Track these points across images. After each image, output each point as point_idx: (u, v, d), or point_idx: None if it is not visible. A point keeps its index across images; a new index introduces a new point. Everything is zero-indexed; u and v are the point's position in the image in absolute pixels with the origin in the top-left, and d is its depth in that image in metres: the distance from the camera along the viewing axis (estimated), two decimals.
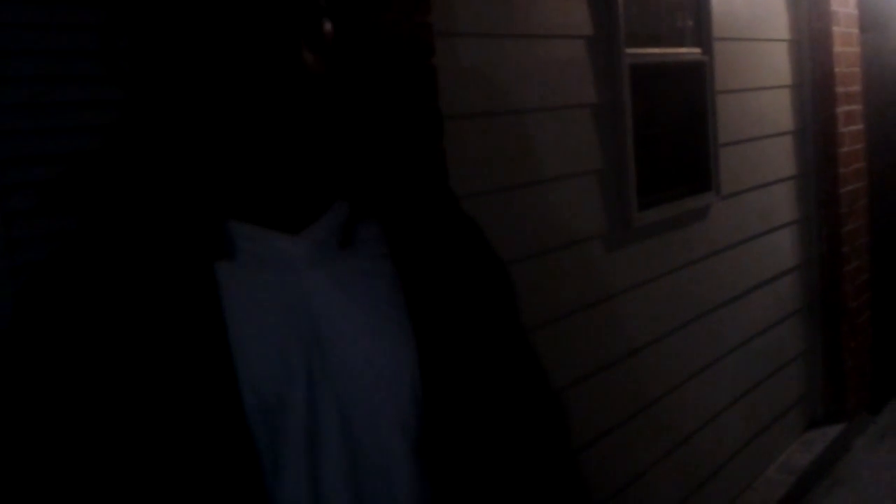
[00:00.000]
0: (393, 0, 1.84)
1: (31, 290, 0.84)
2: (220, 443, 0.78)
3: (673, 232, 3.13)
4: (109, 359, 0.78)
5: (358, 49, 0.88)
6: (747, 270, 3.62)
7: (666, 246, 3.09)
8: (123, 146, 0.85)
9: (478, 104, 2.29)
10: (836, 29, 3.99)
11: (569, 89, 2.64)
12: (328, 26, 0.85)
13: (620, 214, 2.83)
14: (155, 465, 0.78)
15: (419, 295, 0.87)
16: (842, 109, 4.05)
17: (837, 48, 4.00)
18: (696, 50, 3.25)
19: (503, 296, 0.98)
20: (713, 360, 3.37)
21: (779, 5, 3.89)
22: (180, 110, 0.78)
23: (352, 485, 0.82)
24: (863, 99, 4.24)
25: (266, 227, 0.84)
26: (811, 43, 4.01)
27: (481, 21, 2.32)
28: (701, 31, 3.27)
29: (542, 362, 1.01)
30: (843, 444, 4.08)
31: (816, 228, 4.13)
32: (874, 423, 4.34)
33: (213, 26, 0.76)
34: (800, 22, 3.99)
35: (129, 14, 0.78)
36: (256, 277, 0.82)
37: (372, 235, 0.88)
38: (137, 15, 0.77)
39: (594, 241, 2.75)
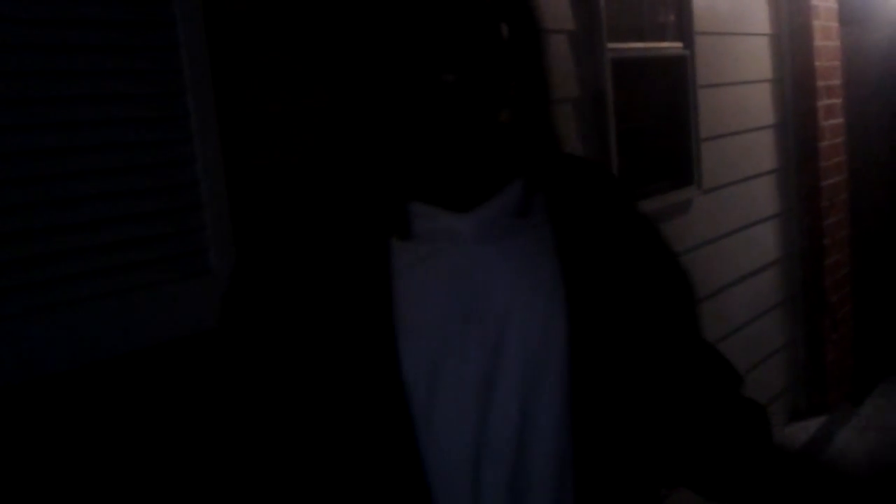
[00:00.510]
0: None
1: (243, 260, 0.97)
2: (377, 402, 0.85)
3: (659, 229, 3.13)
4: (296, 322, 0.88)
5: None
6: (729, 264, 3.64)
7: None
8: (332, 137, 0.94)
9: None
10: (816, 23, 4.01)
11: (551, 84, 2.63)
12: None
13: None
14: (320, 421, 0.86)
15: (577, 284, 0.88)
16: (822, 103, 4.07)
17: (818, 42, 4.02)
18: (678, 44, 3.26)
19: (673, 295, 0.97)
20: None
21: (759, 0, 3.91)
22: (377, 100, 0.86)
23: (510, 451, 0.85)
24: (843, 93, 4.27)
25: (440, 206, 0.89)
26: (792, 37, 4.03)
27: None
28: (682, 25, 3.28)
29: (732, 366, 0.99)
30: (825, 437, 4.11)
31: (798, 222, 4.16)
32: (856, 415, 4.38)
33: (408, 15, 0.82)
34: (780, 16, 4.01)
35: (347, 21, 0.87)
36: (428, 250, 0.88)
37: (538, 220, 0.91)
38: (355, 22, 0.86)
39: None
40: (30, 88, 1.39)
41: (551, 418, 0.86)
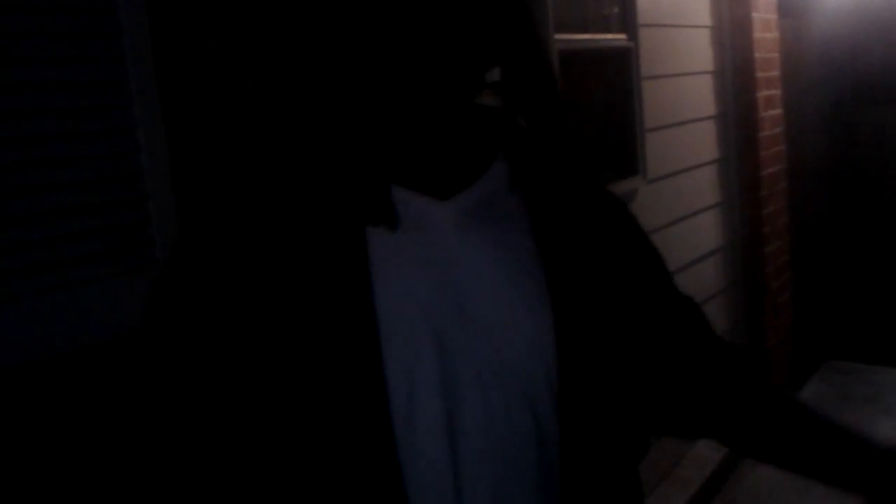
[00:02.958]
0: None
1: (184, 249, 0.86)
2: (356, 395, 0.79)
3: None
4: (256, 307, 0.80)
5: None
6: (673, 252, 3.69)
7: None
8: (306, 118, 0.88)
9: None
10: (755, 15, 4.08)
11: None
12: None
13: None
14: (292, 414, 0.80)
15: (559, 272, 0.85)
16: (762, 94, 4.15)
17: (757, 34, 4.10)
18: (622, 36, 3.29)
19: (649, 267, 0.97)
20: None
21: None
22: (351, 85, 0.81)
23: (487, 447, 0.81)
24: (782, 84, 4.36)
25: (419, 191, 0.84)
26: (732, 29, 4.10)
27: None
28: (626, 17, 3.31)
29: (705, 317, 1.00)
30: None
31: (739, 211, 4.24)
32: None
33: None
34: (721, 8, 4.07)
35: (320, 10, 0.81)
36: (405, 238, 0.83)
37: (516, 210, 0.88)
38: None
39: None
40: None
41: (540, 416, 0.82)
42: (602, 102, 3.25)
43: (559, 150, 0.94)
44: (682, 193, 3.77)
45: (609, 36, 3.24)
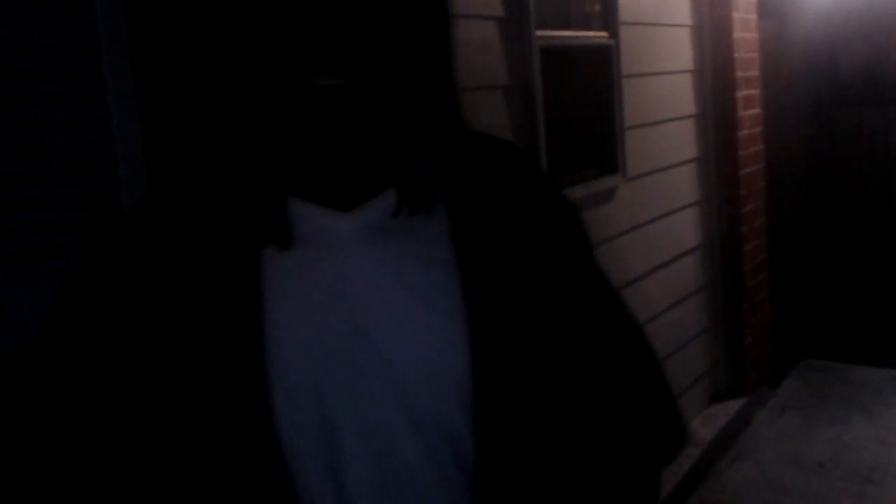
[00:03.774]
0: None
1: (89, 252, 0.82)
2: (240, 427, 0.75)
3: (581, 213, 3.16)
4: (144, 331, 0.76)
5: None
6: (652, 250, 3.70)
7: None
8: (195, 126, 0.83)
9: None
10: (735, 15, 4.10)
11: (480, 71, 2.63)
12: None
13: None
14: (175, 444, 0.76)
15: (477, 281, 0.79)
16: (741, 94, 4.17)
17: (737, 34, 4.12)
18: (604, 34, 3.29)
19: (583, 279, 0.90)
20: None
21: None
22: (252, 100, 0.75)
23: (379, 489, 0.76)
24: (761, 84, 4.39)
25: (319, 204, 0.78)
26: (712, 29, 4.12)
27: None
28: (608, 15, 3.31)
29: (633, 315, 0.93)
30: (744, 418, 4.23)
31: (717, 209, 4.26)
32: (774, 397, 4.52)
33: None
34: (702, 8, 4.08)
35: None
36: (302, 255, 0.77)
37: (433, 219, 0.81)
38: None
39: None
40: None
41: (451, 434, 0.78)
42: (583, 100, 3.25)
43: (492, 149, 0.89)
44: (662, 191, 3.79)
45: (590, 33, 3.24)
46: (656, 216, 3.74)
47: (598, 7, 3.30)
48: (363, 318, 0.77)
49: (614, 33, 3.32)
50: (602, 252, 3.27)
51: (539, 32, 2.84)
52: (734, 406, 4.22)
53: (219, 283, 0.76)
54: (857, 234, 5.28)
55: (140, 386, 0.77)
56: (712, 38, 4.12)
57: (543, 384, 0.83)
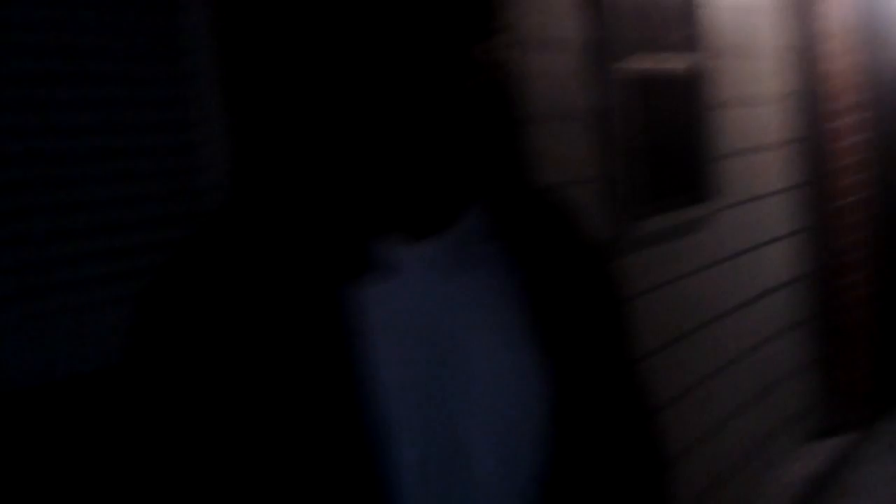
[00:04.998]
0: None
1: (182, 262, 0.82)
2: (334, 454, 0.76)
3: (670, 243, 3.10)
4: (232, 347, 0.77)
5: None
6: (746, 282, 3.59)
7: (663, 257, 3.06)
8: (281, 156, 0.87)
9: None
10: (833, 38, 3.97)
11: (562, 98, 2.61)
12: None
13: (616, 225, 2.80)
14: (267, 469, 0.77)
15: (546, 316, 0.83)
16: (840, 121, 4.04)
17: (835, 59, 3.99)
18: (692, 59, 3.23)
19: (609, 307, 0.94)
20: (712, 371, 3.33)
21: (775, 15, 3.88)
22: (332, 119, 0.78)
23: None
24: (861, 109, 4.23)
25: (397, 234, 0.81)
26: (808, 52, 4.00)
27: None
28: (698, 39, 3.26)
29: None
30: (842, 457, 4.05)
31: (815, 240, 4.10)
32: (874, 436, 4.32)
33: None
34: (796, 31, 3.98)
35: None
36: (385, 289, 0.79)
37: (496, 250, 0.85)
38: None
39: None
40: (32, 90, 1.38)
41: (530, 468, 0.81)
42: (670, 127, 3.18)
43: (543, 199, 0.93)
44: (755, 221, 3.68)
45: (677, 59, 3.18)
46: (749, 247, 3.63)
47: (685, 32, 3.24)
48: (441, 348, 0.79)
49: (703, 59, 3.26)
50: (692, 283, 3.20)
51: (624, 59, 2.80)
52: (832, 445, 4.05)
53: (305, 319, 0.77)
54: None
55: (230, 413, 0.78)
56: (808, 62, 4.00)
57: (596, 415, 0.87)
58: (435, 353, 0.79)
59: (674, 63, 3.14)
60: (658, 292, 3.01)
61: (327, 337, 0.77)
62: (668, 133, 3.17)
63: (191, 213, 1.56)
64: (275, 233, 0.81)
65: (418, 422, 0.77)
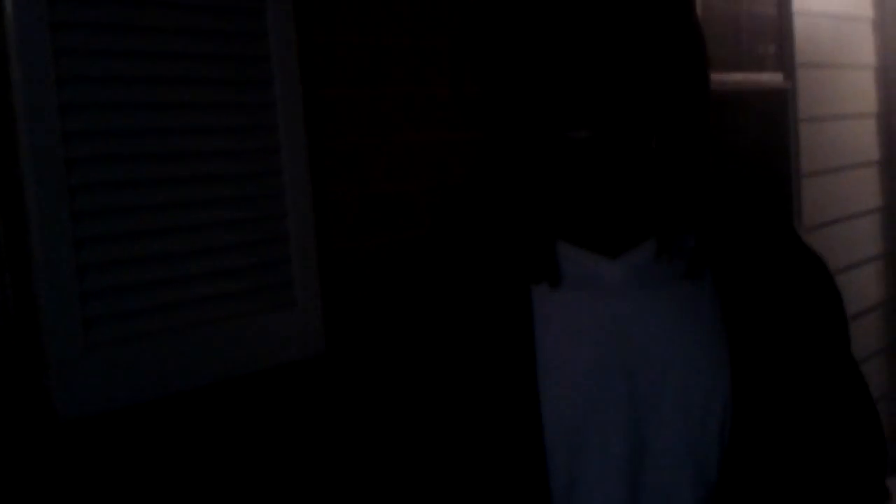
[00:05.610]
0: None
1: (392, 284, 0.91)
2: (514, 457, 0.79)
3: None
4: (437, 364, 0.83)
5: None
6: None
7: None
8: (482, 172, 0.89)
9: None
10: None
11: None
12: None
13: None
14: (454, 466, 0.81)
15: (740, 333, 0.81)
16: None
17: None
18: (779, 76, 3.14)
19: (834, 334, 0.92)
20: None
21: (865, 30, 3.76)
22: (513, 149, 0.81)
23: None
24: None
25: (586, 248, 0.82)
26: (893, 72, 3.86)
27: None
28: (784, 56, 3.17)
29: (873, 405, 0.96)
30: None
31: None
32: None
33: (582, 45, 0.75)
34: (887, 47, 3.84)
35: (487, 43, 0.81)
36: (572, 298, 0.82)
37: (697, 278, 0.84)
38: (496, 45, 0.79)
39: None
40: (132, 118, 1.42)
41: (701, 485, 0.79)
42: (756, 145, 3.09)
43: (744, 201, 0.91)
44: (842, 243, 3.56)
45: (764, 75, 3.10)
46: (836, 269, 3.50)
47: (773, 48, 3.15)
48: (631, 360, 0.79)
49: (791, 75, 3.17)
50: None
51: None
52: None
53: (495, 315, 0.81)
54: None
55: (428, 412, 0.83)
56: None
57: (795, 427, 0.84)
58: (618, 361, 0.79)
59: (759, 80, 3.05)
60: None
61: (513, 331, 0.80)
62: (752, 152, 3.08)
63: (274, 236, 1.57)
64: (478, 243, 0.86)
65: (591, 430, 0.78)
